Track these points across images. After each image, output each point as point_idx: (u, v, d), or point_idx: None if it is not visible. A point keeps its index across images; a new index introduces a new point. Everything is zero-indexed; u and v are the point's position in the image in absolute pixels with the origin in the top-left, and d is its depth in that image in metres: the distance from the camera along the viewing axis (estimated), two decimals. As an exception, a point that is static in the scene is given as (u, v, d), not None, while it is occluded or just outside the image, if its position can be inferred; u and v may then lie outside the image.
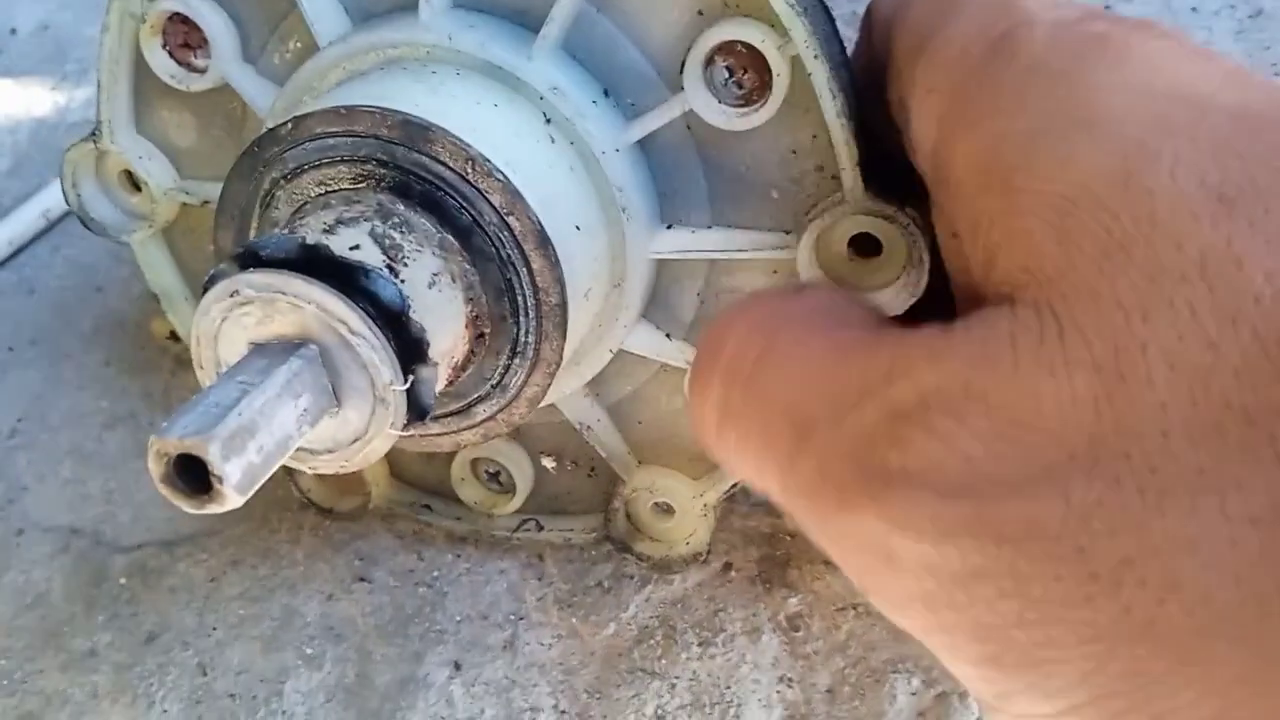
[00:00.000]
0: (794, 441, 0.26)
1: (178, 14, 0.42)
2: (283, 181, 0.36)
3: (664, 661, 0.48)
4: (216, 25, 0.42)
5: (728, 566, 0.51)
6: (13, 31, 0.81)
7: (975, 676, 0.24)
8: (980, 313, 0.24)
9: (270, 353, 0.30)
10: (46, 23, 0.82)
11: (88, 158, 0.47)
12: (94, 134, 0.46)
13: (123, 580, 0.52)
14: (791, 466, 0.26)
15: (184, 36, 0.42)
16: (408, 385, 0.32)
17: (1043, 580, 0.21)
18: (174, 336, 0.53)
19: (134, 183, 0.47)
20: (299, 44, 0.42)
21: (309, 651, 0.49)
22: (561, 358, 0.37)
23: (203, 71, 0.43)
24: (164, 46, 0.43)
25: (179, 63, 0.43)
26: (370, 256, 0.32)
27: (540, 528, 0.50)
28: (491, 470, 0.49)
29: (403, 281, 0.32)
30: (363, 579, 0.51)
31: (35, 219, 0.66)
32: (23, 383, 0.60)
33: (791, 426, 0.26)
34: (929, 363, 0.24)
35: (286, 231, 0.33)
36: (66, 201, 0.47)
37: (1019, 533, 0.22)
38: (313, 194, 0.35)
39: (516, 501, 0.49)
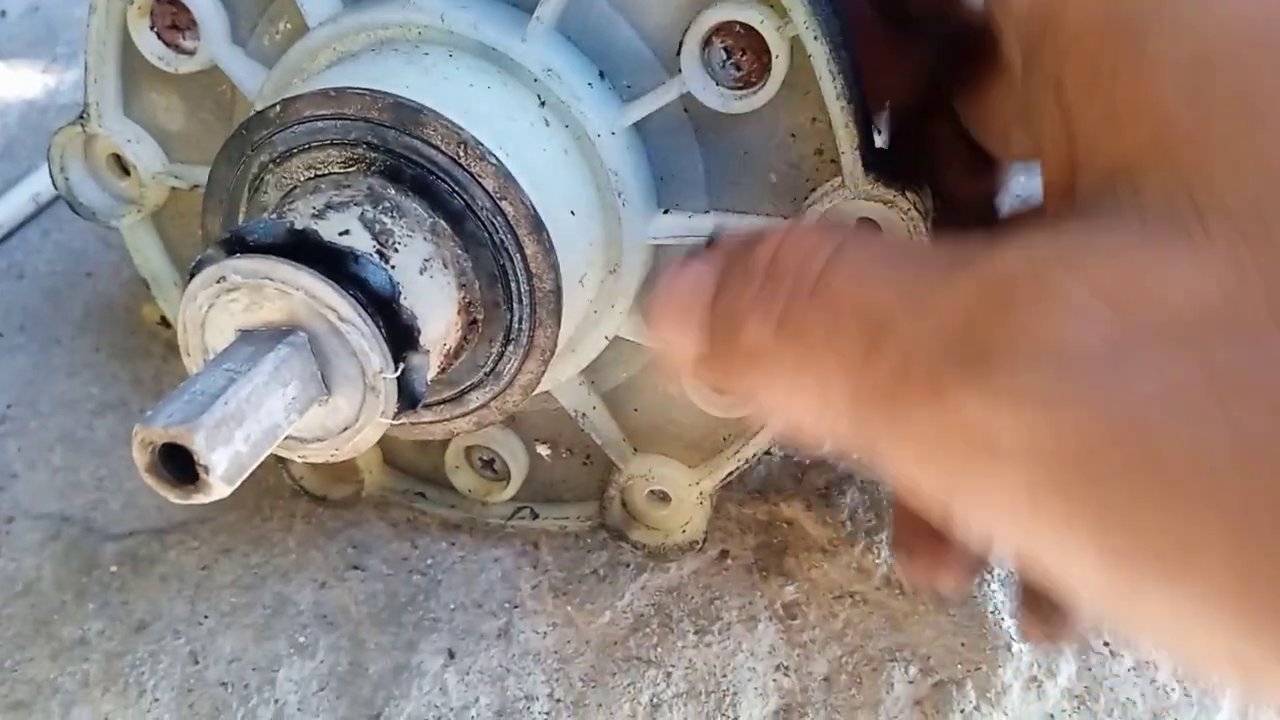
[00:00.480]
0: (868, 340, 0.24)
1: (165, -5, 0.41)
2: (271, 165, 0.35)
3: (660, 650, 0.47)
4: (205, 6, 0.41)
5: (724, 554, 0.50)
6: (2, 13, 0.80)
7: (1094, 580, 0.21)
8: (1093, 190, 0.23)
9: (258, 340, 0.30)
10: (36, 4, 0.81)
11: (75, 141, 0.46)
12: (82, 117, 0.45)
13: (114, 568, 0.51)
14: (866, 368, 0.24)
15: (172, 18, 0.41)
16: (399, 373, 0.31)
17: (1181, 449, 0.19)
18: (164, 322, 0.52)
19: (122, 166, 0.46)
20: (289, 25, 0.41)
21: (301, 640, 0.49)
22: (556, 345, 0.37)
23: (191, 53, 0.42)
24: (152, 28, 0.42)
25: (167, 44, 0.42)
26: (360, 242, 0.31)
27: (535, 515, 0.50)
28: (485, 458, 0.49)
29: (393, 267, 0.32)
30: (356, 567, 0.51)
31: (25, 203, 0.65)
32: (12, 369, 0.59)
33: (864, 326, 0.24)
34: (1038, 235, 0.22)
35: (275, 216, 0.32)
36: (55, 185, 0.47)
37: (1151, 396, 0.19)
38: (302, 178, 0.34)
39: (511, 489, 0.49)
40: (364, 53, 0.38)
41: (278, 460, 0.49)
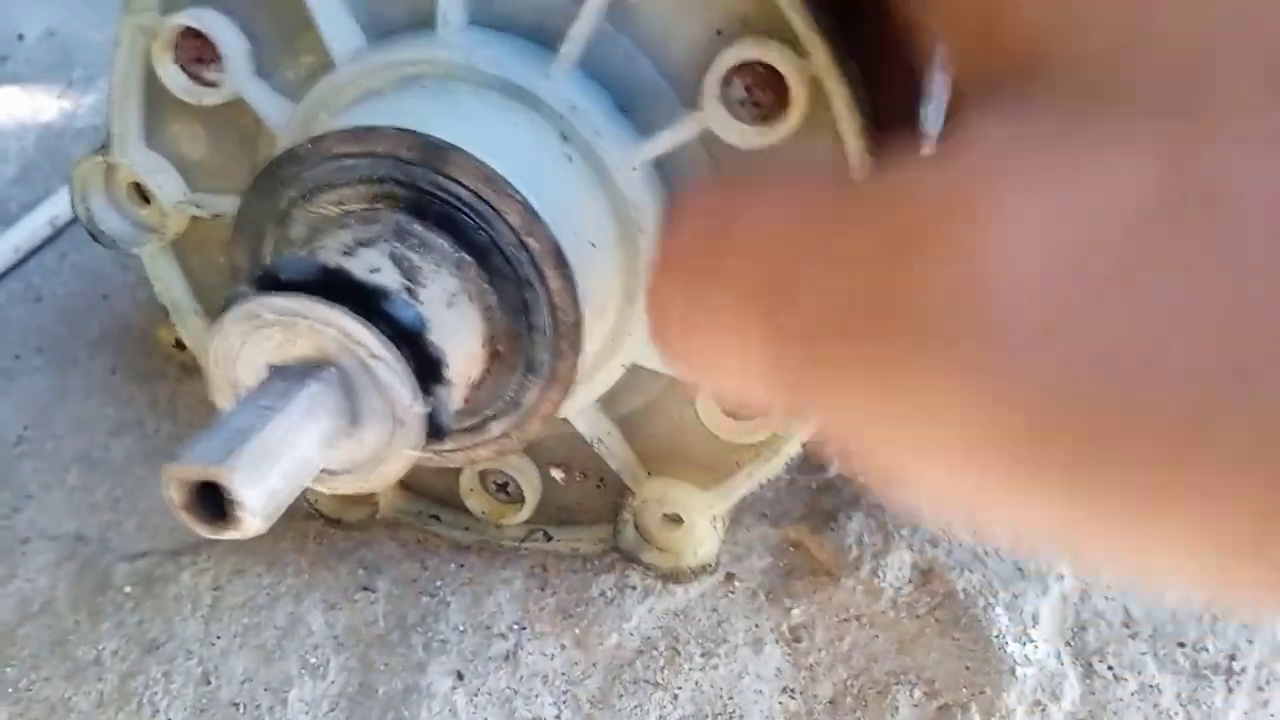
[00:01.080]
0: (770, 310, 0.21)
1: (190, 28, 0.40)
2: (300, 201, 0.35)
3: (667, 672, 0.47)
4: (230, 40, 0.40)
5: (730, 577, 0.50)
6: (19, 37, 0.80)
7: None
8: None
9: (289, 375, 0.29)
10: (53, 28, 0.80)
11: (97, 171, 0.45)
12: (104, 147, 0.45)
13: (127, 588, 0.51)
14: (779, 338, 0.21)
15: (196, 51, 0.41)
16: (427, 407, 0.31)
17: None
18: (180, 344, 0.52)
19: (143, 195, 0.46)
20: (313, 60, 0.40)
21: (313, 660, 0.48)
22: (577, 375, 0.36)
23: (215, 86, 0.41)
24: (176, 61, 0.41)
25: (191, 77, 0.42)
26: (389, 279, 0.31)
27: (549, 538, 0.50)
28: (500, 481, 0.49)
29: (421, 303, 0.31)
30: (366, 588, 0.50)
31: (42, 226, 0.65)
32: (30, 390, 0.58)
33: (764, 294, 0.21)
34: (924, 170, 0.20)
35: (305, 253, 0.32)
36: (76, 215, 0.46)
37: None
38: (330, 214, 0.34)
39: (525, 512, 0.48)
40: (390, 89, 0.37)
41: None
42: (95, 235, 0.47)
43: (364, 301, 0.30)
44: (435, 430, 0.32)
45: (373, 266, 0.31)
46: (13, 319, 0.61)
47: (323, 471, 0.32)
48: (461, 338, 0.33)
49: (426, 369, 0.31)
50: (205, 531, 0.27)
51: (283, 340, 0.30)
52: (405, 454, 0.31)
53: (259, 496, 0.26)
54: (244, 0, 0.41)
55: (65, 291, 0.63)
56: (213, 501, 0.27)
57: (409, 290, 0.31)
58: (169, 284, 0.48)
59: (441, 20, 0.37)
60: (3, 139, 0.72)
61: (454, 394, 0.33)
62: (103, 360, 0.59)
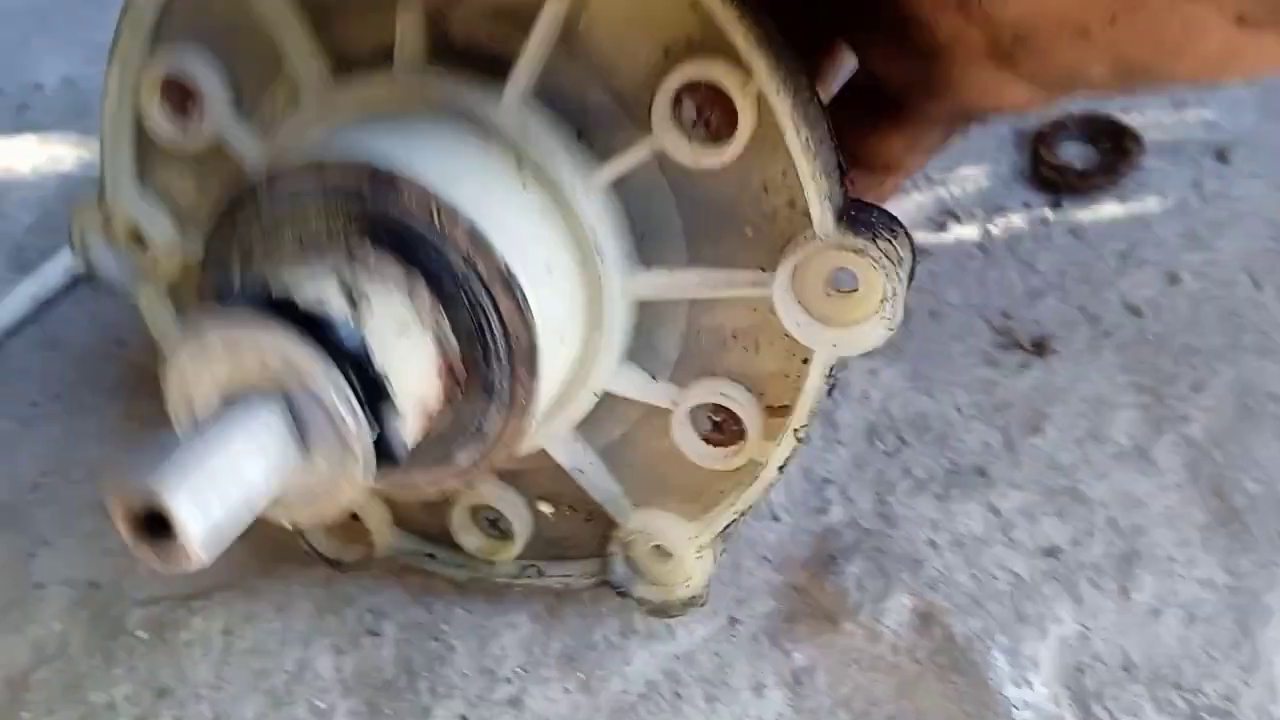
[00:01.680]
0: None
1: (174, 76, 0.44)
2: (260, 236, 0.38)
3: (669, 716, 0.49)
4: (212, 87, 0.44)
5: (733, 621, 0.52)
6: (38, 87, 0.86)
7: None
8: None
9: (237, 404, 0.32)
10: (71, 77, 0.86)
11: (94, 217, 0.50)
12: (100, 194, 0.49)
13: (140, 633, 0.54)
14: None
15: (181, 96, 0.45)
16: (377, 433, 0.34)
17: None
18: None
19: (141, 241, 0.50)
20: (285, 97, 0.44)
21: (320, 705, 0.51)
22: (535, 400, 0.39)
23: (199, 130, 0.46)
24: (161, 107, 0.46)
25: (176, 123, 0.46)
26: (334, 307, 0.34)
27: (541, 574, 0.52)
28: (491, 517, 0.51)
29: (368, 330, 0.34)
30: (373, 632, 0.53)
31: (59, 275, 0.69)
32: (46, 437, 0.63)
33: None
34: None
35: (257, 283, 0.35)
36: (75, 259, 0.50)
37: None
38: (287, 245, 0.37)
39: (517, 548, 0.51)
40: (350, 120, 0.41)
41: (293, 526, 0.51)
42: (95, 280, 0.50)
43: (308, 329, 0.33)
44: (388, 457, 0.35)
45: (319, 294, 0.34)
46: (30, 367, 0.66)
47: (280, 501, 0.34)
48: (413, 364, 0.36)
49: (373, 396, 0.34)
50: (154, 563, 0.30)
51: (232, 368, 0.33)
52: (357, 480, 0.34)
53: (201, 522, 0.29)
54: (226, 43, 0.45)
55: (81, 339, 0.68)
56: (162, 531, 0.30)
57: (354, 317, 0.34)
58: (166, 330, 0.52)
59: (398, 54, 0.41)
60: (21, 187, 0.78)
61: (408, 422, 0.36)
62: (117, 406, 0.64)
